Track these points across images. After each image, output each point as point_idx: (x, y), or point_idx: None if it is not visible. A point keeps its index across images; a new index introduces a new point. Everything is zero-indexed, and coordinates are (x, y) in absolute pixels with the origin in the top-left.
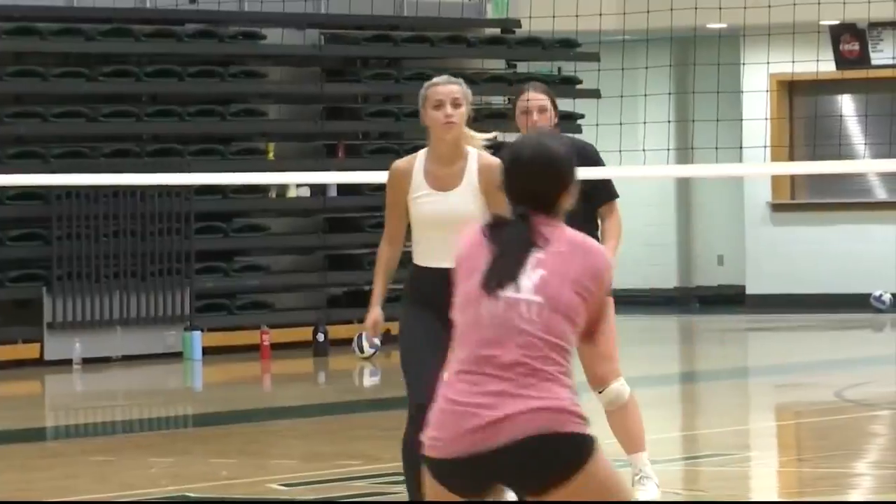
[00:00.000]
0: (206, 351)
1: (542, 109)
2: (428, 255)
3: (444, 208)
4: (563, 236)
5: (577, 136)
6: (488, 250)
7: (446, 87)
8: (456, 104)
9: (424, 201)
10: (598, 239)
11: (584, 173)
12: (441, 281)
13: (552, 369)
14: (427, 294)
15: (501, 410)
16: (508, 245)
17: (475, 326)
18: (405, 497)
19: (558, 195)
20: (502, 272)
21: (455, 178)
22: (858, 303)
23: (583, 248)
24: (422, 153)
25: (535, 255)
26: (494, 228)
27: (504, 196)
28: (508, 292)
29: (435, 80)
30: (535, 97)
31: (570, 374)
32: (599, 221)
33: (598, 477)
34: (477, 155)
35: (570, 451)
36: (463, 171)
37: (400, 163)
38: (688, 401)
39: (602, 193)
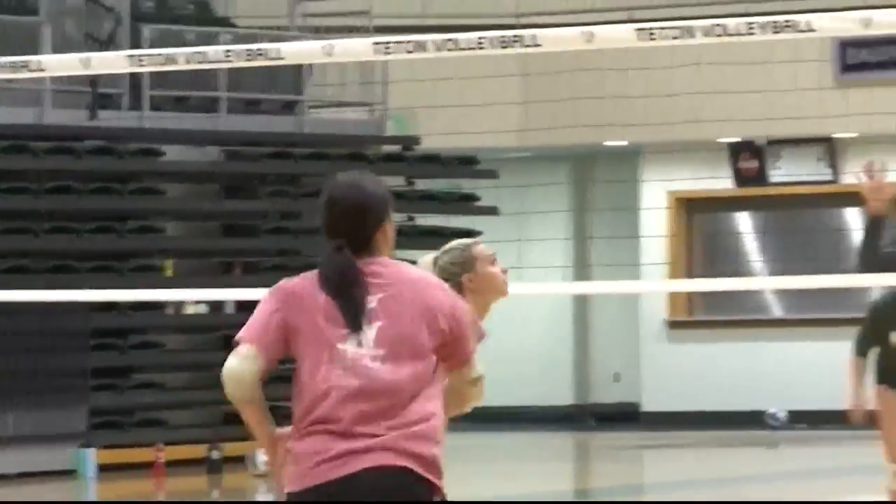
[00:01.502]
0: (102, 468)
1: None
2: None
3: None
4: (394, 274)
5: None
6: (323, 298)
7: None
8: None
9: None
10: None
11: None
12: None
13: (406, 420)
14: None
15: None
16: (343, 292)
17: (323, 382)
18: None
19: (373, 231)
20: (343, 324)
21: None
22: (753, 420)
23: (418, 286)
24: None
25: (370, 305)
26: (324, 272)
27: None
28: (351, 347)
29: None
30: None
31: (430, 416)
32: None
33: None
34: None
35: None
36: None
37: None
38: None
39: None
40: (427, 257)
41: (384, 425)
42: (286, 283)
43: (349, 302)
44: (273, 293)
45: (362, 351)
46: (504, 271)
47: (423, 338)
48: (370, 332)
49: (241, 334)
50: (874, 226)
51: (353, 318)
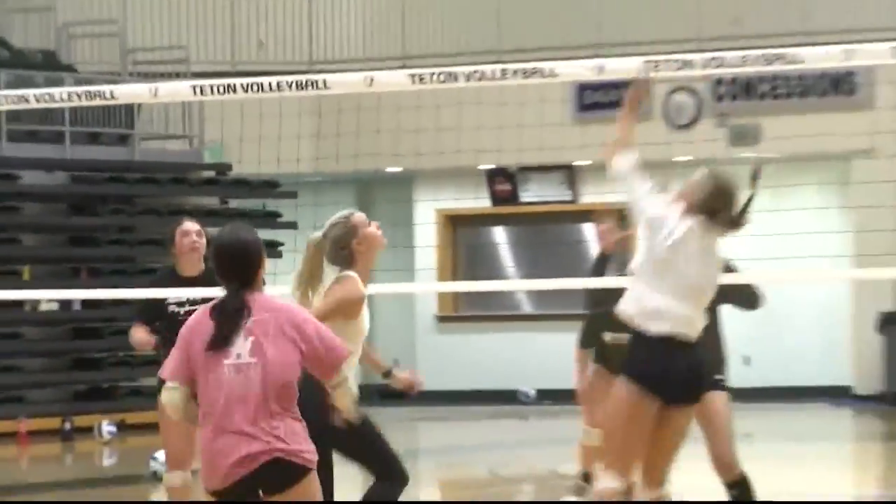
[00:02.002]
0: None
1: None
2: None
3: None
4: (265, 304)
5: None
6: (210, 324)
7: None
8: None
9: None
10: None
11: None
12: None
13: (278, 418)
14: None
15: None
16: (226, 318)
17: (217, 389)
18: None
19: (256, 271)
20: (225, 340)
21: None
22: (508, 397)
23: (278, 310)
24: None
25: (247, 325)
26: (216, 306)
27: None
28: (232, 359)
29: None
30: None
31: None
32: None
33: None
34: None
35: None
36: None
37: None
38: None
39: None
40: (315, 235)
41: (263, 422)
42: (187, 324)
43: (230, 325)
44: (179, 335)
45: (240, 361)
46: (378, 228)
47: (290, 349)
48: (247, 343)
49: (163, 373)
50: (601, 262)
51: (229, 335)
